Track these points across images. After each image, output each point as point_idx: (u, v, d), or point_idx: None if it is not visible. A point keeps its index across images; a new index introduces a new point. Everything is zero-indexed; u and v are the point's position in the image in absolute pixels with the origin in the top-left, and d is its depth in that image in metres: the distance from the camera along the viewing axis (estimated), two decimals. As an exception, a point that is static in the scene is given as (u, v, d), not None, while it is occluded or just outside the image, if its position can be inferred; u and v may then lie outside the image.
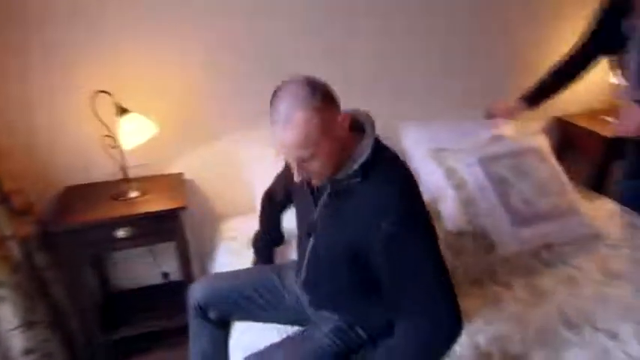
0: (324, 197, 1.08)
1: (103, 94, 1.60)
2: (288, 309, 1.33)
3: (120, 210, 1.62)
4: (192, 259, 2.09)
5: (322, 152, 0.97)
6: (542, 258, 1.65)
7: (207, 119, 1.94)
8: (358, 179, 1.01)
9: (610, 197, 2.01)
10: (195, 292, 1.34)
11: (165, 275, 2.09)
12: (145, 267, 2.06)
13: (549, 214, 1.74)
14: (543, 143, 1.97)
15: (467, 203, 1.76)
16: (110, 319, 1.83)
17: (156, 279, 2.10)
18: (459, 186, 1.80)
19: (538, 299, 1.44)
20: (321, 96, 0.95)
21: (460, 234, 1.75)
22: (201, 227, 2.08)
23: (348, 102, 1.10)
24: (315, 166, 0.99)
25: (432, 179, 1.86)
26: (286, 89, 0.96)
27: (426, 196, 1.10)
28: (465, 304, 1.41)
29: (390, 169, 1.04)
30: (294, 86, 0.95)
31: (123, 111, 1.60)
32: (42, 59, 1.65)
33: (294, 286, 1.32)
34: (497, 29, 2.18)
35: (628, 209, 1.89)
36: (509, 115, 1.93)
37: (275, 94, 0.97)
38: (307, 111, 0.93)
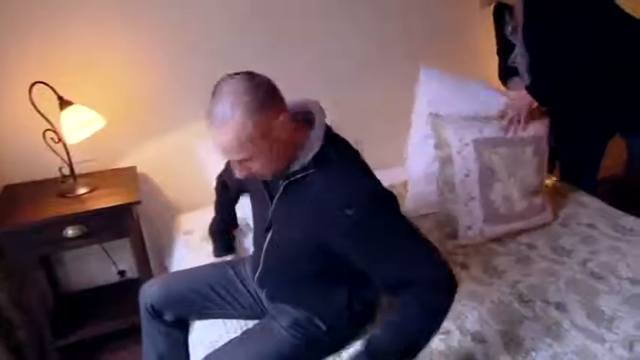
0: (279, 191, 1.06)
1: (42, 85, 1.50)
2: (245, 304, 1.31)
3: (68, 208, 1.54)
4: (149, 255, 2.04)
5: (260, 154, 0.96)
6: (499, 240, 1.69)
7: (159, 111, 1.87)
8: (312, 170, 0.99)
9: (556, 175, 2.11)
10: (148, 294, 1.30)
11: (122, 273, 2.01)
12: (100, 266, 1.98)
13: (523, 214, 1.71)
14: (544, 132, 1.78)
15: (446, 183, 1.74)
16: (63, 323, 1.75)
17: (112, 277, 2.02)
18: (446, 162, 1.73)
19: (493, 277, 1.49)
20: (260, 98, 0.92)
21: (424, 216, 1.79)
22: (157, 222, 2.01)
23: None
24: (255, 165, 0.98)
25: (422, 142, 1.85)
26: (223, 89, 0.92)
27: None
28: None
29: (343, 156, 1.03)
30: (232, 86, 0.92)
31: (65, 103, 1.51)
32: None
33: (251, 280, 1.30)
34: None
35: (571, 186, 1.98)
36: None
37: (213, 93, 0.94)
38: (242, 115, 0.90)
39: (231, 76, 0.94)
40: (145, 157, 1.90)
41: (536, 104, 1.68)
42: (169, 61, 1.81)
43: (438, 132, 1.76)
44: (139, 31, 1.74)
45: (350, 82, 2.14)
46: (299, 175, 1.00)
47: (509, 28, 1.82)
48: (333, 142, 1.03)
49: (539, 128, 1.75)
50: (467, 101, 1.76)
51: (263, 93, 0.93)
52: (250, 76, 0.94)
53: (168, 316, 1.31)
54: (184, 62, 1.83)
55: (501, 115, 1.71)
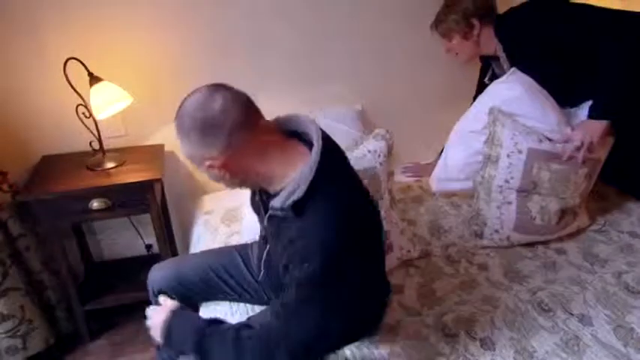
0: (265, 217, 1.00)
1: (75, 61, 1.56)
2: (251, 291, 1.31)
3: (93, 181, 1.61)
4: (175, 231, 2.10)
5: (211, 176, 0.94)
6: (526, 244, 1.59)
7: (188, 90, 1.89)
8: (290, 214, 0.89)
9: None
10: (155, 279, 1.32)
11: (149, 247, 2.09)
12: (129, 238, 2.06)
13: (556, 228, 1.58)
14: (605, 153, 1.62)
15: (483, 182, 1.63)
16: (90, 289, 1.85)
17: (139, 251, 2.10)
18: (491, 161, 1.60)
19: (513, 282, 1.40)
20: (193, 140, 0.88)
21: (446, 213, 1.71)
22: (184, 200, 2.06)
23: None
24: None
25: (470, 135, 1.69)
26: (182, 109, 0.90)
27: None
28: (438, 284, 1.40)
29: (324, 208, 0.88)
30: (187, 104, 0.89)
31: (95, 79, 1.56)
32: (9, 24, 1.62)
33: (256, 266, 1.29)
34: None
35: (617, 190, 1.82)
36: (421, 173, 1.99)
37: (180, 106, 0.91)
38: (179, 138, 0.91)
39: (195, 93, 0.90)
40: (174, 136, 1.93)
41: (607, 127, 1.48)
42: (200, 41, 1.83)
43: (495, 128, 1.59)
44: (172, 11, 1.76)
45: (385, 80, 2.12)
46: (278, 214, 0.91)
47: (488, 75, 1.79)
48: (323, 179, 0.88)
49: (600, 149, 1.56)
50: (542, 117, 1.56)
51: (197, 134, 0.87)
52: (204, 106, 0.86)
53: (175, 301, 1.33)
54: (215, 43, 1.84)
55: (565, 141, 1.52)
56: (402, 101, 2.17)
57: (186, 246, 2.01)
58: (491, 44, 1.67)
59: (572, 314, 1.26)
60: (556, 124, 1.54)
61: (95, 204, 1.60)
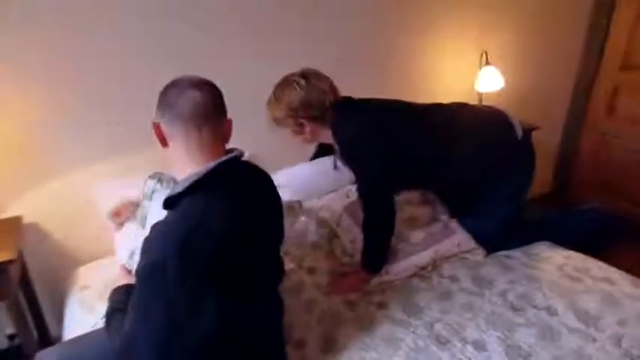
0: None
1: None
2: None
3: None
4: (46, 312, 1.81)
5: None
6: (420, 274, 1.62)
7: (47, 154, 1.67)
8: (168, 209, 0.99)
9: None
10: None
11: (12, 337, 1.77)
12: (-16, 331, 1.73)
13: (425, 243, 1.68)
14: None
15: (343, 252, 1.73)
16: None
17: (1, 343, 1.77)
18: (333, 237, 1.79)
19: (411, 317, 1.40)
20: (162, 94, 1.01)
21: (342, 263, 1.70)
22: (55, 274, 1.79)
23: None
24: None
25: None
26: (184, 76, 1.02)
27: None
28: (339, 330, 1.35)
29: (181, 214, 0.95)
30: (181, 79, 1.02)
31: None
32: None
33: None
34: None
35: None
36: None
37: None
38: None
39: (187, 76, 1.02)
40: (35, 206, 1.69)
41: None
42: (57, 100, 1.64)
43: (316, 215, 1.86)
44: (29, 84, 1.57)
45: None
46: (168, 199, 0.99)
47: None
48: (198, 191, 0.96)
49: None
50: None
51: (160, 97, 1.01)
52: (176, 91, 1.00)
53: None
54: (72, 100, 1.66)
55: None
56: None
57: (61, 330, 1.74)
58: (328, 138, 1.56)
59: (467, 342, 1.29)
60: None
61: None
